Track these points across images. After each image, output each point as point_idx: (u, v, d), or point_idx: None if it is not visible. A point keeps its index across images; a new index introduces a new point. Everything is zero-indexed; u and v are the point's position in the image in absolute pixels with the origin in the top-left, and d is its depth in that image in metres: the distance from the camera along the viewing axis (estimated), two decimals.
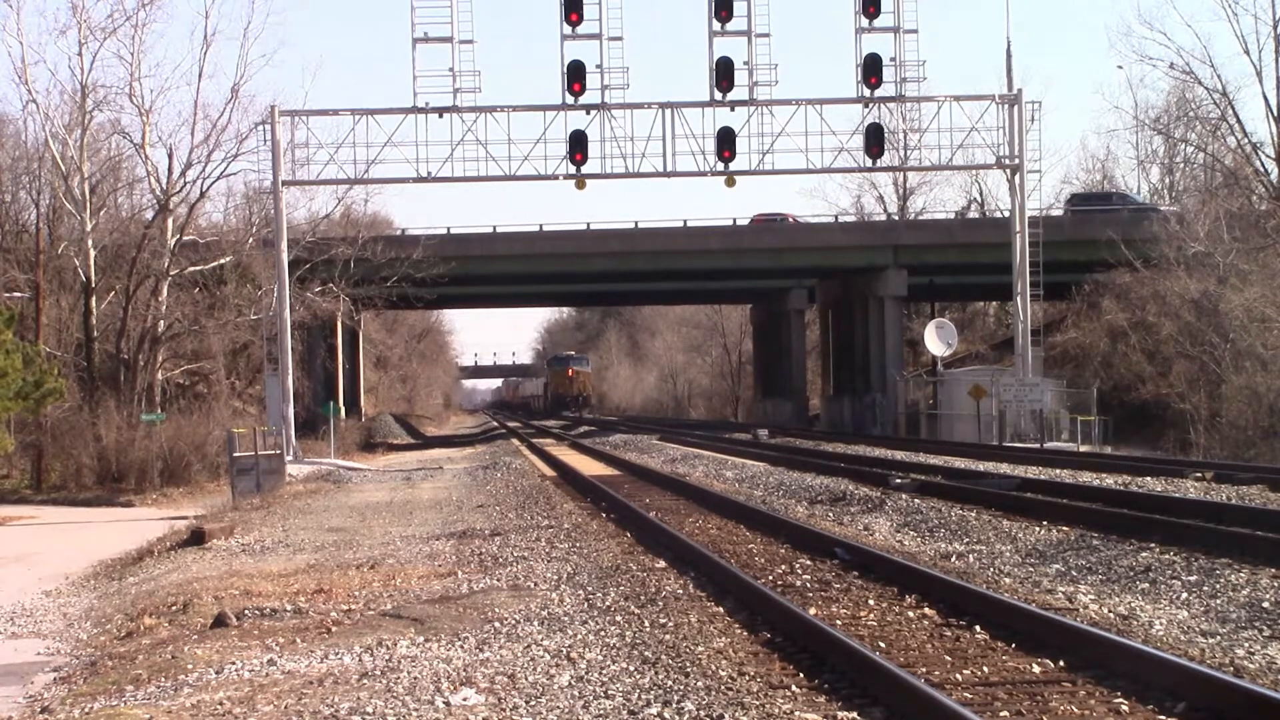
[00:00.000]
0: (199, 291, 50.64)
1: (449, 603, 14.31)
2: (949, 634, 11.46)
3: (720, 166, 44.63)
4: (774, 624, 11.84)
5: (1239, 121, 58.10)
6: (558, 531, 20.75)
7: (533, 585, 15.21)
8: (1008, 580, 14.65)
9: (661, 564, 16.29)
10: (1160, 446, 44.77)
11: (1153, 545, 15.72)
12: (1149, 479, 25.24)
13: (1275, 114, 53.84)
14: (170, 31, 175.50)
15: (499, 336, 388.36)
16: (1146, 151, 73.25)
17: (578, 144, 44.00)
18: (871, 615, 12.46)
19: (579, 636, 11.91)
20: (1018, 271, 46.40)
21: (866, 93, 44.22)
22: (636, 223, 64.65)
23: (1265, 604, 12.35)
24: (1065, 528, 17.89)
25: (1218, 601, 12.73)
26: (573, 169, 44.38)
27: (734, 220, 71.52)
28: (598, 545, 18.63)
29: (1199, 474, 25.66)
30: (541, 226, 63.41)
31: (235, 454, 33.82)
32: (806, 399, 78.65)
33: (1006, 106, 46.06)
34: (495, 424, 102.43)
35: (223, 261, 49.72)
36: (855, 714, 9.02)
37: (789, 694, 9.58)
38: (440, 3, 43.46)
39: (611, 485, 28.36)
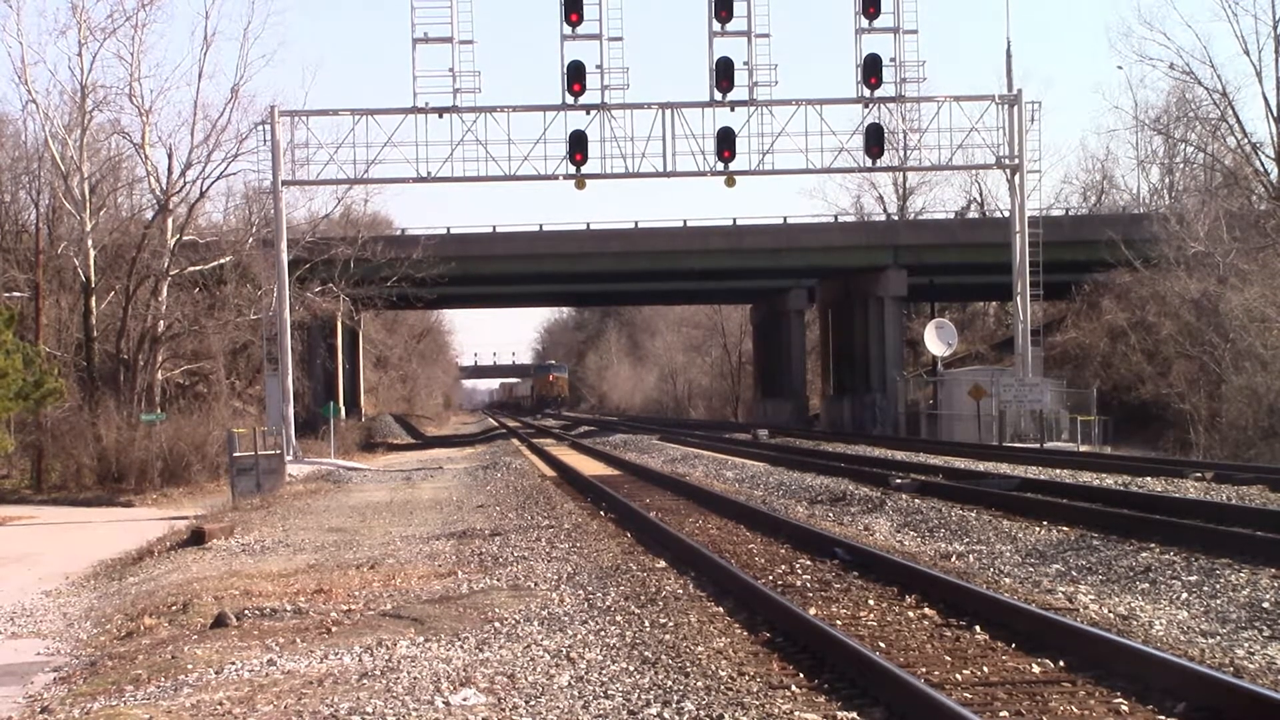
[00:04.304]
0: (199, 291, 50.65)
1: (449, 603, 14.31)
2: (949, 634, 11.46)
3: (720, 166, 44.64)
4: (774, 624, 11.83)
5: (1239, 121, 58.19)
6: (558, 531, 20.75)
7: (533, 585, 15.21)
8: (1008, 580, 14.65)
9: (662, 564, 16.29)
10: (1160, 446, 44.77)
11: (1153, 545, 15.72)
12: (1149, 479, 25.23)
13: (1275, 114, 53.87)
14: (170, 31, 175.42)
15: (499, 336, 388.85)
16: (1146, 151, 73.32)
17: (578, 144, 44.00)
18: (871, 615, 12.46)
19: (579, 636, 11.91)
20: (1018, 271, 46.41)
21: (866, 93, 44.24)
22: (636, 223, 64.75)
23: (1265, 604, 12.34)
24: (1065, 528, 17.89)
25: (1218, 601, 12.73)
26: (573, 169, 44.39)
27: (734, 220, 71.59)
28: (598, 545, 18.63)
29: (1199, 474, 25.66)
30: (541, 226, 63.46)
31: (235, 454, 33.80)
32: (806, 399, 78.70)
33: (1006, 107, 46.05)
34: (495, 424, 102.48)
35: (223, 261, 49.72)
36: (855, 714, 9.02)
37: (789, 694, 9.58)
38: (440, 3, 43.49)
39: (611, 485, 28.36)
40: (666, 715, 9.11)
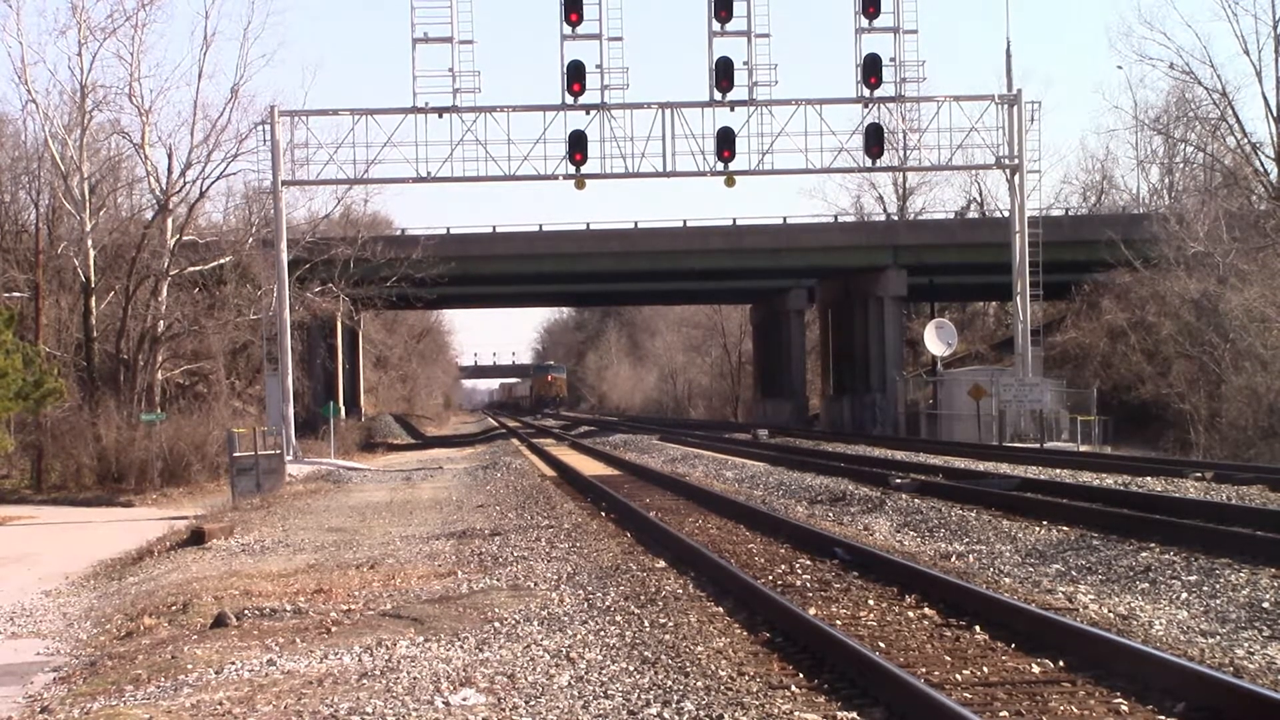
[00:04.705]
0: (199, 291, 50.64)
1: (449, 603, 14.31)
2: (949, 634, 11.46)
3: (720, 166, 44.64)
4: (774, 624, 11.83)
5: (1239, 121, 58.21)
6: (558, 531, 20.75)
7: (532, 585, 15.21)
8: (1008, 580, 14.65)
9: (661, 564, 16.29)
10: (1160, 446, 44.77)
11: (1153, 545, 15.71)
12: (1149, 479, 25.22)
13: (1275, 114, 53.89)
14: (170, 31, 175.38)
15: (499, 336, 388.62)
16: (1146, 151, 73.30)
17: (577, 144, 44.00)
18: (871, 615, 12.46)
19: (579, 636, 11.91)
20: (1017, 271, 46.41)
21: (866, 93, 44.24)
22: (636, 223, 64.77)
23: (1265, 604, 12.34)
24: (1065, 528, 17.89)
25: (1217, 601, 12.73)
26: (573, 169, 44.40)
27: (734, 220, 71.57)
28: (598, 545, 18.62)
29: (1199, 474, 25.65)
30: (541, 226, 63.49)
31: (235, 454, 33.81)
32: (806, 399, 78.70)
33: (1006, 106, 46.05)
34: (495, 424, 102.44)
35: (222, 261, 49.72)
36: (855, 714, 9.02)
37: (789, 694, 9.58)
38: (440, 3, 43.51)
39: (611, 485, 28.36)
40: (666, 715, 9.12)
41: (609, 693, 9.78)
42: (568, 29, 43.08)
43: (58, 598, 19.56)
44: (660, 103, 44.85)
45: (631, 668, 10.54)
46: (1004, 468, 29.77)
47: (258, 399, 53.97)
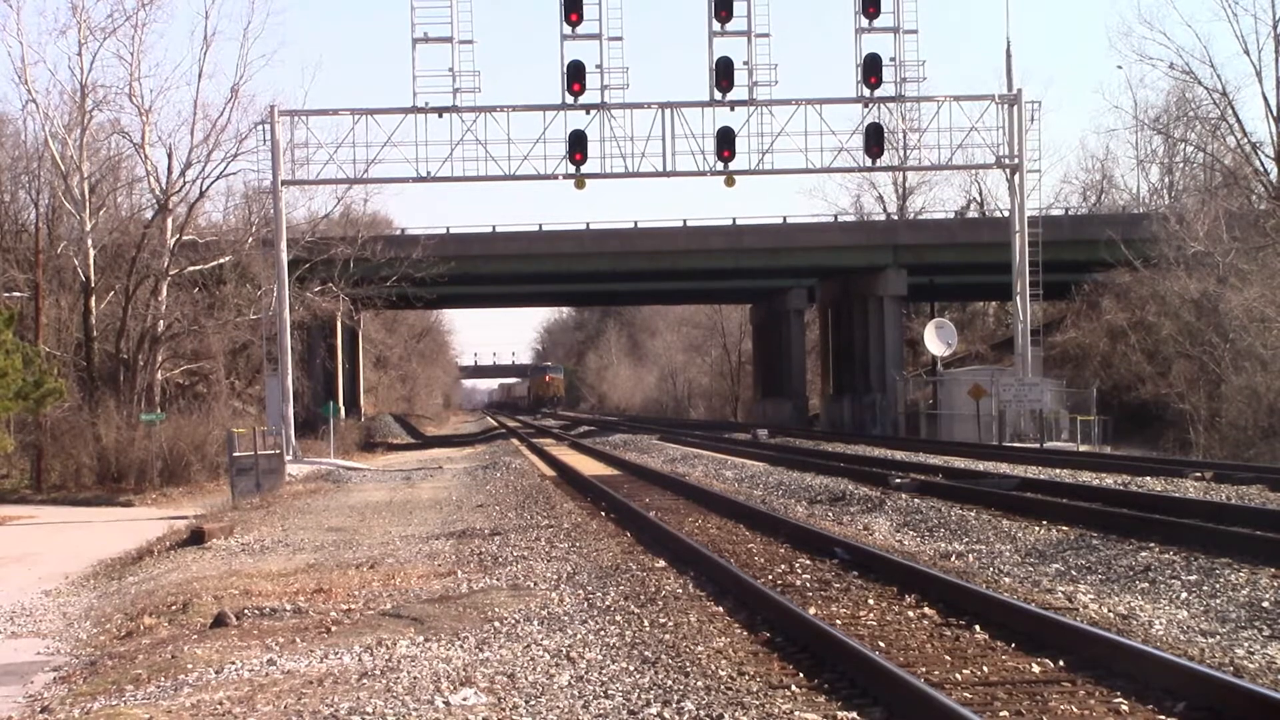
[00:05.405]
0: (199, 291, 50.62)
1: (449, 602, 14.31)
2: (949, 634, 11.46)
3: (720, 166, 44.62)
4: (773, 624, 11.83)
5: (1239, 121, 58.15)
6: (557, 531, 20.75)
7: (532, 585, 15.21)
8: (1007, 580, 14.65)
9: (661, 563, 16.29)
10: (1160, 446, 44.76)
11: (1153, 545, 15.72)
12: (1149, 479, 25.23)
13: (1275, 114, 53.85)
14: (170, 31, 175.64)
15: (499, 336, 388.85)
16: (1146, 151, 73.28)
17: (577, 144, 43.99)
18: (871, 615, 12.46)
19: (579, 636, 11.91)
20: (1017, 271, 46.40)
21: (866, 93, 44.22)
22: (636, 223, 64.77)
23: (1265, 604, 12.35)
24: (1065, 527, 17.89)
25: (1217, 601, 12.73)
26: (572, 169, 44.38)
27: (734, 220, 71.56)
28: (597, 545, 18.63)
29: (1199, 474, 25.66)
30: (541, 226, 63.46)
31: (235, 454, 33.82)
32: (806, 399, 78.71)
33: (1006, 106, 46.04)
34: (494, 424, 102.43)
35: (222, 261, 49.70)
36: (855, 714, 9.02)
37: (789, 694, 9.58)
38: (440, 3, 43.48)
39: (611, 485, 28.36)
40: (666, 715, 9.11)
41: (609, 692, 9.78)
42: (568, 29, 43.06)
43: (58, 597, 19.56)
44: (660, 102, 44.84)
45: (632, 667, 10.54)
46: (1004, 467, 29.78)
47: (258, 399, 53.95)
